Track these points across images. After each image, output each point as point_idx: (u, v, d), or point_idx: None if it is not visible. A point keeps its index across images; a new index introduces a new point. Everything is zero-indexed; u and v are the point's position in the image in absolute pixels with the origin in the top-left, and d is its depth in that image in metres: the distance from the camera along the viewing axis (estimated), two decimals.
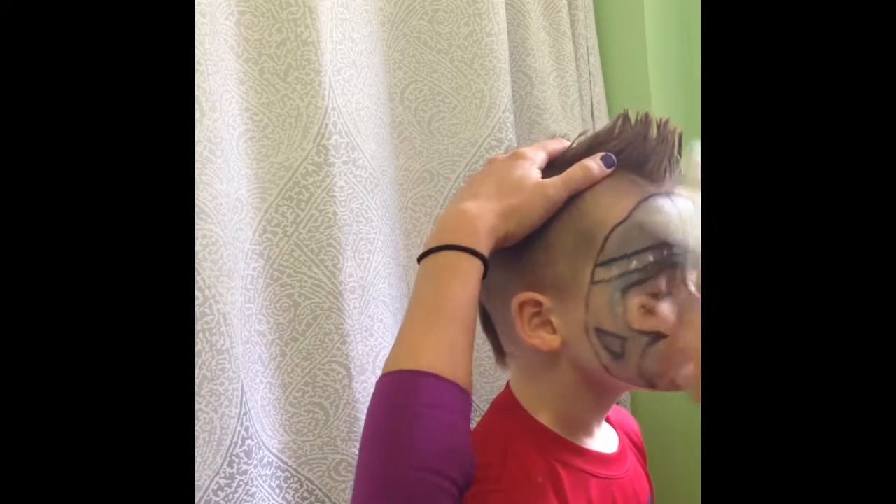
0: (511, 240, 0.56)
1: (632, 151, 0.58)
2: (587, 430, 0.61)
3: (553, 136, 0.64)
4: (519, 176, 0.58)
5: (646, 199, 0.56)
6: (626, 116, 0.60)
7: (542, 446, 0.58)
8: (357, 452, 0.81)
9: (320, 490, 0.82)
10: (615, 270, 0.55)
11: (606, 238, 0.55)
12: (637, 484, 0.63)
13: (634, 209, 0.56)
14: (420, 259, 0.56)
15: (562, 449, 0.59)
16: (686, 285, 0.57)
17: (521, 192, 0.56)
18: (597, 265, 0.56)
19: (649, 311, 0.55)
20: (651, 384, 0.57)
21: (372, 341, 0.84)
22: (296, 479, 0.81)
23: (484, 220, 0.55)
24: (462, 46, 0.92)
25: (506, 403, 0.61)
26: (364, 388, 0.83)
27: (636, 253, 0.55)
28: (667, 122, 0.58)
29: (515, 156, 0.60)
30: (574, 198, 0.57)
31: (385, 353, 0.85)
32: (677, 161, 0.58)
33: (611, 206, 0.56)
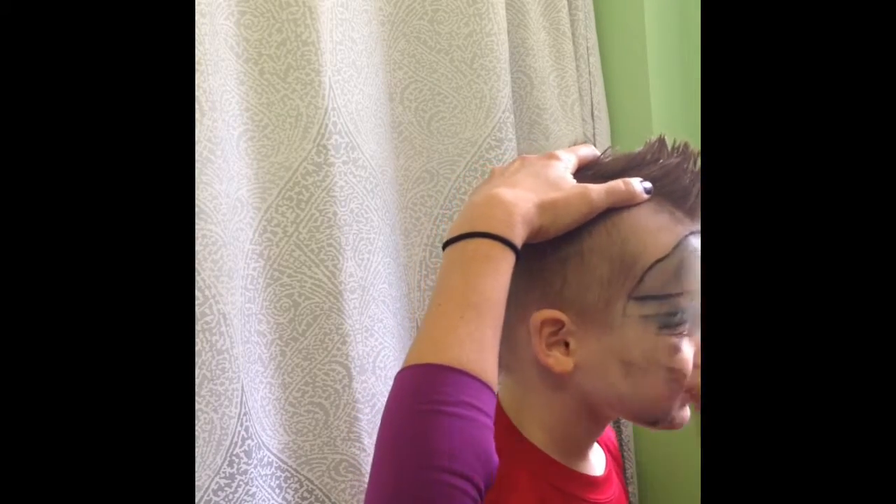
0: (543, 235, 0.53)
1: (671, 182, 0.56)
2: (580, 454, 0.60)
3: (578, 142, 0.62)
4: (558, 175, 0.55)
5: (686, 237, 0.55)
6: (662, 142, 0.58)
7: (534, 470, 0.57)
8: (357, 452, 0.82)
9: (320, 490, 0.82)
10: (649, 309, 0.54)
11: (645, 272, 0.54)
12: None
13: (676, 247, 0.54)
14: (446, 245, 0.52)
15: (554, 473, 0.57)
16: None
17: (562, 190, 0.54)
18: (631, 297, 0.54)
19: (676, 350, 0.54)
20: (653, 421, 0.57)
21: (372, 341, 0.84)
22: (296, 479, 0.81)
23: (521, 207, 0.51)
24: (462, 46, 0.92)
25: (496, 419, 0.54)
26: (364, 388, 0.83)
27: (671, 296, 0.54)
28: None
29: (550, 156, 0.57)
30: (611, 216, 0.55)
31: (385, 353, 0.85)
32: None
33: (652, 238, 0.54)
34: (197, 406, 0.70)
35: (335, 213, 0.81)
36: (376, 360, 0.85)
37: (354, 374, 0.82)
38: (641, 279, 0.54)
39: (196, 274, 0.70)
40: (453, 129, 0.93)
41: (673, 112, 1.01)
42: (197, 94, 0.70)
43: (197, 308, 0.70)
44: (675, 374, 0.54)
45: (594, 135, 1.02)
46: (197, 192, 0.70)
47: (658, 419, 0.57)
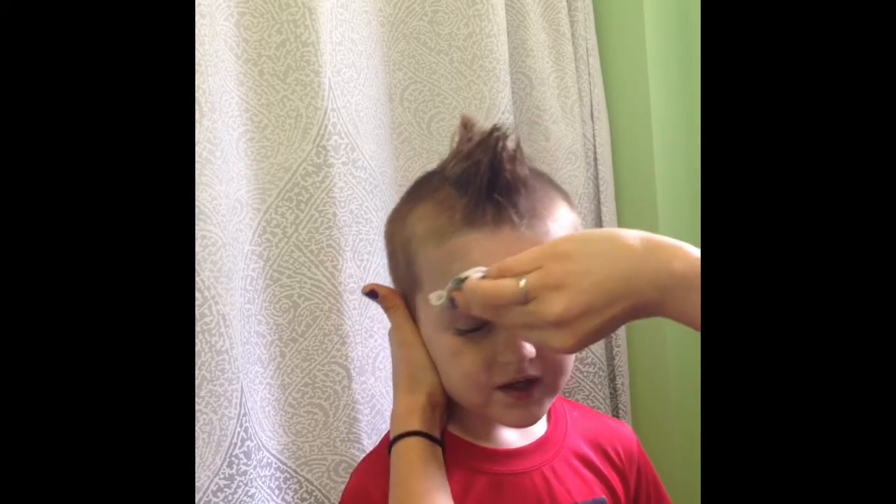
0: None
1: (461, 178, 0.59)
2: (480, 432, 0.65)
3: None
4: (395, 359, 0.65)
5: (451, 240, 0.59)
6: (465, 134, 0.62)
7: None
8: (356, 454, 0.82)
9: (319, 491, 0.82)
10: (429, 307, 0.59)
11: (420, 271, 0.61)
12: (556, 484, 0.64)
13: (443, 251, 0.59)
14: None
15: (451, 447, 0.63)
16: None
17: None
18: (417, 294, 0.62)
19: (453, 350, 0.60)
20: (475, 410, 0.63)
21: (371, 342, 0.84)
22: (295, 479, 0.81)
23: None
24: (462, 47, 0.92)
25: None
26: (364, 389, 0.83)
27: (442, 297, 0.58)
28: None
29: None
30: (407, 213, 0.62)
31: (385, 354, 0.85)
32: None
33: (422, 242, 0.60)
34: (196, 407, 0.70)
35: (335, 214, 0.81)
36: (376, 361, 0.85)
37: (354, 374, 0.82)
38: (419, 277, 0.60)
39: (195, 275, 0.70)
40: (453, 131, 0.92)
41: (673, 112, 1.01)
42: (197, 95, 0.70)
43: (196, 309, 0.70)
44: (460, 371, 0.60)
45: (594, 135, 1.02)
46: (197, 192, 0.70)
47: (475, 409, 0.62)
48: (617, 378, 1.02)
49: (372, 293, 0.65)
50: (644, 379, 1.04)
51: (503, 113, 0.92)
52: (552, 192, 0.62)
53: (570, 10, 1.01)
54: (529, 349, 0.58)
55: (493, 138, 0.58)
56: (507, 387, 0.59)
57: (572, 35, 1.01)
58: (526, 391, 0.59)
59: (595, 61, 1.02)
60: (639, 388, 1.04)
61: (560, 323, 0.49)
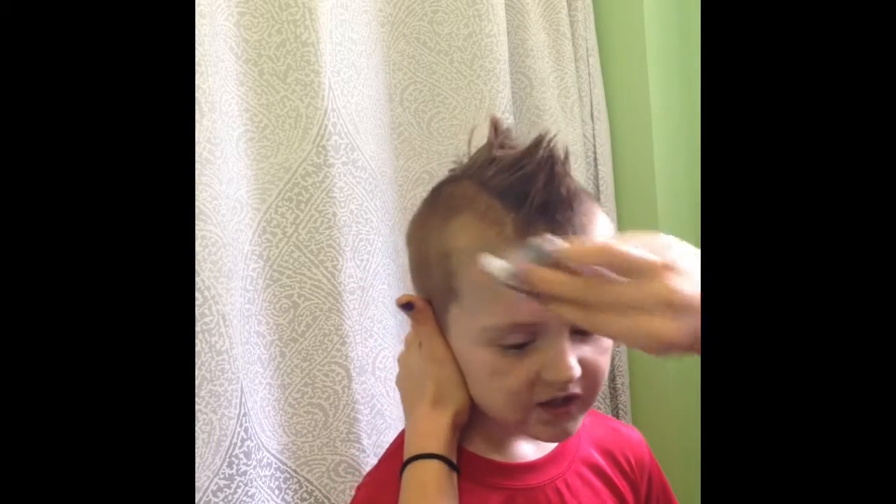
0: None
1: (510, 190, 0.55)
2: (496, 446, 0.63)
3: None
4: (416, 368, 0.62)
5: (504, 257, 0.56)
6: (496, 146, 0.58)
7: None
8: (356, 454, 0.82)
9: (319, 491, 0.82)
10: (467, 321, 0.58)
11: (460, 285, 0.57)
12: (569, 497, 0.63)
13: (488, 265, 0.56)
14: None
15: (463, 462, 0.61)
16: None
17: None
18: (454, 307, 0.58)
19: (491, 365, 0.58)
20: (510, 426, 0.61)
21: (371, 342, 0.84)
22: (295, 479, 0.81)
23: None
24: (462, 48, 0.92)
25: None
26: (364, 389, 0.83)
27: (484, 311, 0.56)
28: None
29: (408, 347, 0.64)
30: (443, 225, 0.58)
31: (385, 354, 0.85)
32: None
33: (468, 255, 0.56)
34: (196, 407, 0.70)
35: (335, 214, 0.81)
36: (376, 361, 0.85)
37: (354, 374, 0.82)
38: (459, 291, 0.57)
39: (195, 275, 0.70)
40: (453, 130, 0.93)
41: (673, 112, 1.01)
42: (196, 94, 0.70)
43: (196, 309, 0.70)
44: (503, 389, 0.57)
45: (594, 136, 1.02)
46: (196, 193, 0.70)
47: (511, 425, 0.61)
48: (617, 378, 1.02)
49: (408, 305, 0.62)
50: (644, 379, 1.04)
51: (503, 113, 0.92)
52: (591, 203, 0.59)
53: (570, 10, 1.01)
54: (576, 367, 0.56)
55: (545, 149, 0.55)
56: (546, 404, 0.57)
57: (572, 35, 1.01)
58: (565, 408, 0.58)
59: (595, 61, 1.02)
60: (639, 388, 1.04)
61: (674, 304, 0.45)
